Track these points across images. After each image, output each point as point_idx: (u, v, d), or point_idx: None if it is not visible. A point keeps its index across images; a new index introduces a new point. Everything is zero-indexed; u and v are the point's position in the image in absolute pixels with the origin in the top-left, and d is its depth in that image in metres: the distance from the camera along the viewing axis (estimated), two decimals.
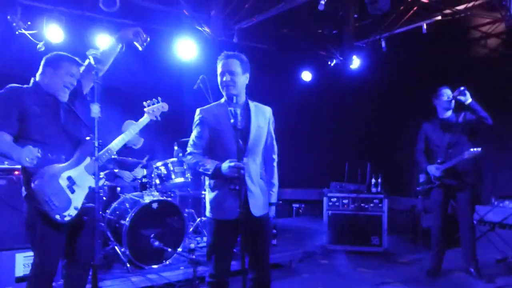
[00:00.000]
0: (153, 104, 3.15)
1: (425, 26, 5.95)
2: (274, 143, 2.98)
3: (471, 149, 4.29)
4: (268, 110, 2.92)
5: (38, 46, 5.26)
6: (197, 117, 2.84)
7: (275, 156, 2.97)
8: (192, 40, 6.08)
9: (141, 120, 3.10)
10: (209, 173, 2.65)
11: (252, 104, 2.85)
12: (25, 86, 2.77)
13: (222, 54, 2.78)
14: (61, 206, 2.58)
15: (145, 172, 5.12)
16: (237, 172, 2.52)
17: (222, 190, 2.72)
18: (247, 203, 2.70)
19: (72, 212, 2.62)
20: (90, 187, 2.74)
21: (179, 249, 4.33)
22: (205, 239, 5.06)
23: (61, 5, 5.37)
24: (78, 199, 2.67)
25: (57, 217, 2.55)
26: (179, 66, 6.28)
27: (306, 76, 7.68)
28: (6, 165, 3.58)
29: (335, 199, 5.60)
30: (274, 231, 5.03)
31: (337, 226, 5.54)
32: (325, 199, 5.67)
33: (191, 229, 4.84)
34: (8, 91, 2.65)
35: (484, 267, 4.70)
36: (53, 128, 2.70)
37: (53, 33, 5.24)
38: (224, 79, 2.71)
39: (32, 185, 2.51)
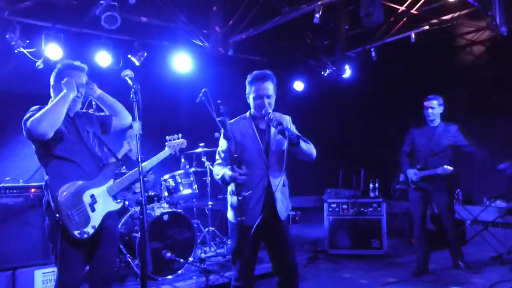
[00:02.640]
0: (174, 139, 3.29)
1: (413, 36, 6.20)
2: None
3: (445, 166, 4.56)
4: (286, 119, 2.99)
5: (36, 64, 5.32)
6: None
7: None
8: (187, 53, 6.23)
9: (162, 153, 3.21)
10: (219, 178, 2.83)
11: (273, 117, 2.89)
12: None
13: (254, 75, 2.90)
14: (80, 222, 2.62)
15: None
16: (234, 181, 2.68)
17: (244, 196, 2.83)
18: (274, 208, 2.87)
19: (89, 230, 2.65)
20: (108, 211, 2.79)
21: (190, 259, 4.41)
22: (213, 249, 5.16)
23: (59, 23, 5.42)
24: (96, 218, 2.71)
25: (76, 233, 2.58)
26: (175, 79, 6.40)
27: (298, 86, 7.85)
28: (21, 183, 3.62)
29: (334, 204, 5.76)
30: None
31: (337, 231, 5.69)
32: (325, 205, 5.82)
33: (199, 240, 4.92)
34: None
35: (479, 264, 4.97)
36: (78, 146, 2.78)
37: (51, 50, 5.27)
38: (264, 103, 2.85)
39: (59, 198, 2.57)
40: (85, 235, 2.62)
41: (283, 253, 3.00)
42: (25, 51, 5.30)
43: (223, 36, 5.85)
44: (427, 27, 6.08)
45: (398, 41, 6.47)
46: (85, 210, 2.66)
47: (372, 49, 6.69)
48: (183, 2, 5.81)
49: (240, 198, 2.74)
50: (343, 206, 5.71)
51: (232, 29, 5.96)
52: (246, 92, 2.98)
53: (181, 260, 4.22)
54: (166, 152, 3.25)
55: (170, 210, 4.39)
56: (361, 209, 5.67)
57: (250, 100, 2.95)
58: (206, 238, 5.21)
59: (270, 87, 2.88)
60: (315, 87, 7.76)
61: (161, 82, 6.40)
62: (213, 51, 5.70)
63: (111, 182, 2.85)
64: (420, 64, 6.59)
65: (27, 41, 5.30)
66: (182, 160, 4.89)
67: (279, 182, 2.87)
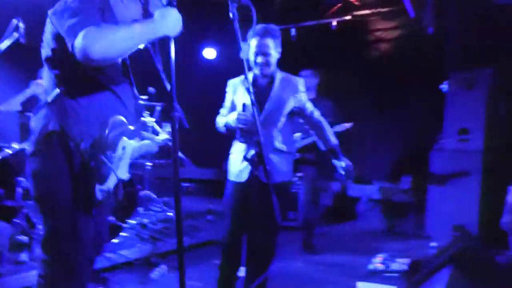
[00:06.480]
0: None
1: (334, 23, 6.55)
2: (316, 112, 2.89)
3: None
4: (297, 82, 2.85)
5: None
6: (227, 87, 2.96)
7: (320, 118, 2.90)
8: None
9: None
10: (221, 126, 2.85)
11: (279, 76, 2.81)
12: None
13: (255, 30, 2.67)
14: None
15: None
16: (244, 123, 2.59)
17: (239, 154, 2.76)
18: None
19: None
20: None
21: (133, 222, 3.84)
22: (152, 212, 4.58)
23: None
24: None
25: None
26: None
27: (209, 53, 7.53)
28: None
29: None
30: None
31: None
32: None
33: None
34: None
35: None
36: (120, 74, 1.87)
37: None
38: (259, 60, 2.70)
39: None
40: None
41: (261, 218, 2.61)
42: None
43: None
44: (349, 17, 6.49)
45: (319, 25, 6.74)
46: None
47: (293, 29, 6.81)
48: None
49: (252, 157, 2.62)
50: None
51: None
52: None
53: (124, 225, 3.65)
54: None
55: None
56: None
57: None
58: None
59: (269, 44, 2.67)
60: (228, 55, 7.45)
61: None
62: None
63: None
64: (332, 52, 6.91)
65: None
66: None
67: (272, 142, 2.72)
